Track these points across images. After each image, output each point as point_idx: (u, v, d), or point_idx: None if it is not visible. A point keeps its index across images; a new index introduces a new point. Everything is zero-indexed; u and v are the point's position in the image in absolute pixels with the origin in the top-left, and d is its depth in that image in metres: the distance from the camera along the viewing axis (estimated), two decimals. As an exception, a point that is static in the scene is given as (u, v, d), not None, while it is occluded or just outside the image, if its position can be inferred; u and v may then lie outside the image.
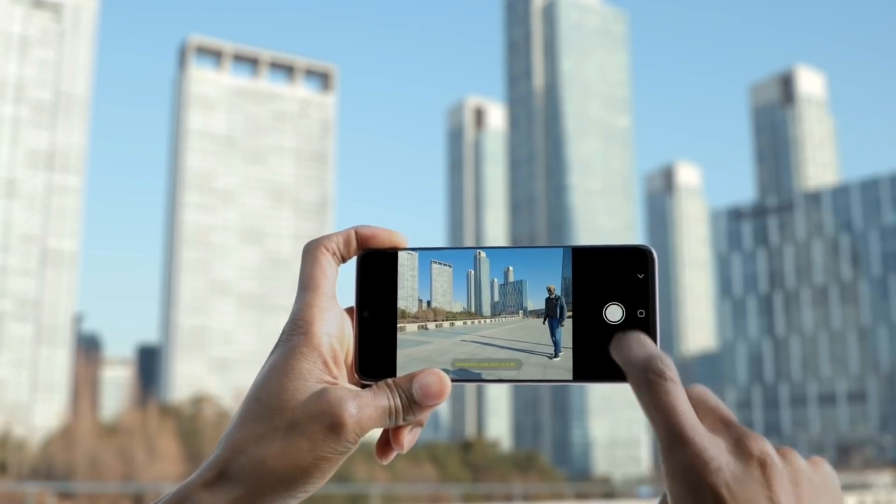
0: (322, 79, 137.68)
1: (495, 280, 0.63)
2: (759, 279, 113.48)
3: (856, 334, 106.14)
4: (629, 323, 0.61)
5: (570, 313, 0.61)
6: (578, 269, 0.62)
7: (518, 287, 0.62)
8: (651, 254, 0.61)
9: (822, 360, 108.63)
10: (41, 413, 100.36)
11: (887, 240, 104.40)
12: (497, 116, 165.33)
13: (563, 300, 0.62)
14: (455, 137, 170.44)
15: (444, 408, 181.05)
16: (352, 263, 0.64)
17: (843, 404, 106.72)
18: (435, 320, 0.63)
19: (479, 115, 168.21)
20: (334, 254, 0.62)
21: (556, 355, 0.62)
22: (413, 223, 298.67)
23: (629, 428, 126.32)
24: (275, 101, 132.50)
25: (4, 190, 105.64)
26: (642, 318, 0.61)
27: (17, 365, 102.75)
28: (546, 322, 0.63)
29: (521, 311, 0.62)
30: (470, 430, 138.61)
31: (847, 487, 49.73)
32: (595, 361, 0.61)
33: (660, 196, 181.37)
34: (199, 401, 60.76)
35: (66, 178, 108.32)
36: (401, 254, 0.64)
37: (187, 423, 53.79)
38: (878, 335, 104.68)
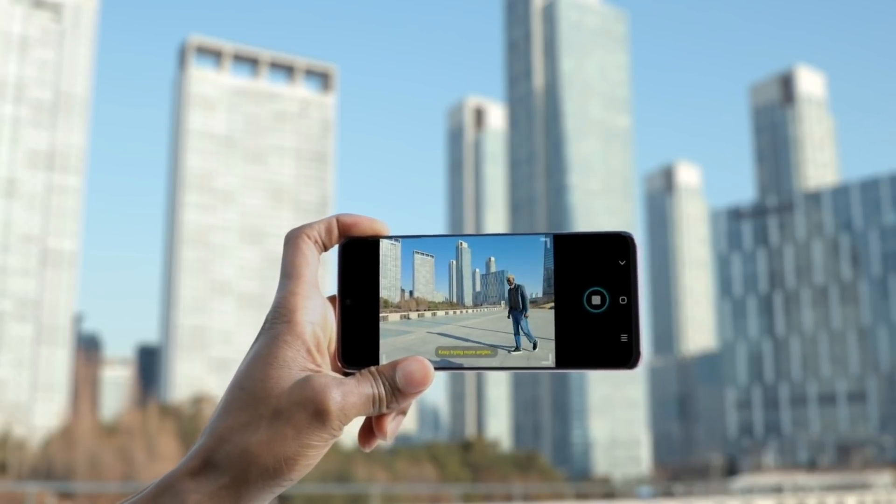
0: (322, 79, 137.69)
1: (477, 270, 0.63)
2: (759, 279, 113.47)
3: (856, 334, 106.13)
4: (612, 309, 0.61)
5: (553, 300, 0.61)
6: (560, 256, 0.62)
7: (499, 277, 0.62)
8: (632, 240, 0.61)
9: (822, 360, 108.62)
10: (41, 413, 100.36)
11: (887, 240, 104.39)
12: (497, 116, 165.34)
13: (524, 289, 0.62)
14: (455, 137, 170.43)
15: (444, 408, 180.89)
16: (334, 252, 0.64)
17: (843, 404, 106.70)
18: (417, 310, 0.63)
19: (479, 115, 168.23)
20: (316, 242, 0.62)
21: (517, 348, 0.62)
22: (413, 223, 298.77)
23: (629, 428, 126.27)
24: (275, 101, 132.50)
25: (4, 190, 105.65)
26: (624, 304, 0.61)
27: (17, 365, 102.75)
28: (510, 315, 0.63)
29: (502, 302, 0.62)
30: (470, 430, 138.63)
31: (847, 487, 49.73)
32: (578, 348, 0.61)
33: (660, 196, 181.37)
34: (199, 401, 60.77)
35: (66, 178, 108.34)
36: (384, 243, 0.63)
37: (187, 423, 53.78)
38: (878, 335, 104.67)
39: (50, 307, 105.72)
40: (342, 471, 47.13)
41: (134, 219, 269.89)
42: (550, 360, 0.61)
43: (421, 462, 54.19)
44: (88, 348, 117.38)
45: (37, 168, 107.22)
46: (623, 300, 0.61)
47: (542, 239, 0.62)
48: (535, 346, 0.62)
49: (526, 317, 0.62)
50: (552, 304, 0.61)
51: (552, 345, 0.61)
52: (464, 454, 59.56)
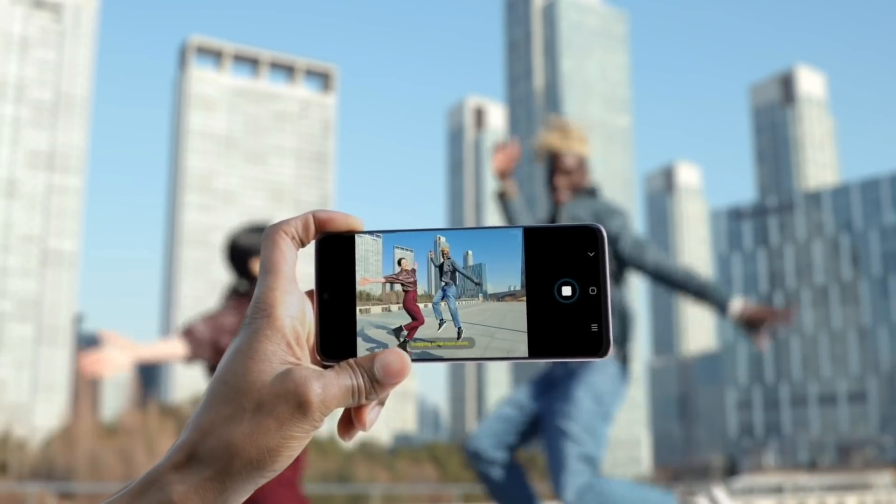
0: (322, 79, 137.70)
1: (455, 263, 0.63)
2: (760, 279, 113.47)
3: (856, 334, 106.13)
4: (582, 300, 0.62)
5: (525, 292, 0.63)
6: (531, 248, 0.63)
7: (477, 271, 0.63)
8: (601, 232, 0.63)
9: (823, 361, 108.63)
10: (42, 413, 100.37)
11: (887, 240, 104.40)
12: (497, 116, 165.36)
13: (456, 264, 0.64)
14: (455, 137, 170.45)
15: (444, 408, 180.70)
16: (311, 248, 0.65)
17: (844, 404, 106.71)
18: (397, 303, 0.64)
19: (480, 115, 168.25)
20: (293, 238, 0.63)
21: (440, 325, 0.63)
22: (413, 223, 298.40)
23: (629, 428, 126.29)
24: (275, 101, 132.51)
25: (5, 190, 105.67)
26: (594, 294, 0.62)
27: (18, 365, 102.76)
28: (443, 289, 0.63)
29: (480, 295, 0.63)
30: (470, 430, 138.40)
31: (847, 488, 49.75)
32: (550, 338, 0.62)
33: (660, 196, 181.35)
34: (198, 401, 60.58)
35: (66, 179, 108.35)
36: (365, 238, 0.65)
37: (187, 423, 53.77)
38: (878, 335, 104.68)
39: (50, 307, 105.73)
40: (343, 471, 47.17)
41: (134, 219, 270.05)
42: (524, 350, 0.62)
43: (421, 462, 54.28)
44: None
45: (37, 168, 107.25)
46: (593, 291, 0.62)
47: (515, 232, 0.63)
48: (459, 335, 0.63)
49: (456, 297, 0.64)
50: (524, 296, 0.63)
51: (523, 336, 0.62)
52: (464, 454, 59.51)
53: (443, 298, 0.63)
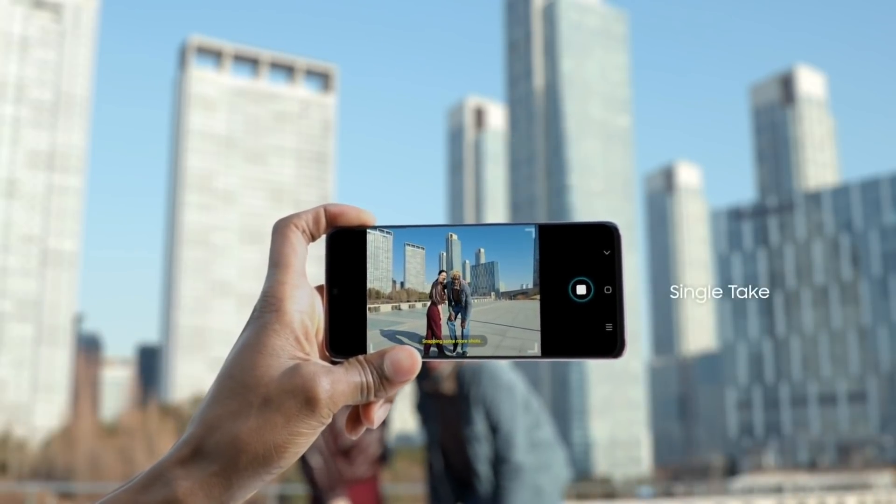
0: (322, 79, 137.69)
1: (467, 262, 0.63)
2: (760, 279, 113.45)
3: (856, 334, 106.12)
4: (596, 299, 0.61)
5: (539, 290, 0.61)
6: (545, 246, 0.62)
7: (489, 268, 0.62)
8: (616, 230, 0.62)
9: (823, 361, 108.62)
10: (42, 413, 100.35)
11: (887, 240, 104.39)
12: (497, 116, 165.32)
13: (467, 287, 0.62)
14: (455, 137, 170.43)
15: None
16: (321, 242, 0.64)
17: (844, 404, 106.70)
18: (408, 301, 0.63)
19: (480, 115, 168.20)
20: (304, 231, 0.62)
21: (454, 345, 0.62)
22: (414, 223, 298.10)
23: (629, 428, 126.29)
24: (275, 101, 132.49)
25: (5, 190, 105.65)
26: (609, 293, 0.61)
27: (18, 365, 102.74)
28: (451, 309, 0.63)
29: (493, 293, 0.62)
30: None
31: (847, 488, 49.71)
32: (563, 337, 0.61)
33: (660, 196, 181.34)
34: (199, 401, 60.62)
35: (66, 179, 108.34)
36: (375, 234, 0.64)
37: (187, 423, 53.63)
38: (878, 335, 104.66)
39: (50, 307, 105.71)
40: (342, 471, 46.98)
41: (134, 219, 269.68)
42: (536, 349, 0.61)
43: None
44: (89, 348, 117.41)
45: (37, 168, 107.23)
46: (608, 290, 0.61)
47: (529, 229, 0.62)
48: (463, 354, 0.62)
49: (466, 315, 0.62)
50: (538, 294, 0.61)
51: (536, 335, 0.61)
52: None
53: (458, 316, 0.62)
